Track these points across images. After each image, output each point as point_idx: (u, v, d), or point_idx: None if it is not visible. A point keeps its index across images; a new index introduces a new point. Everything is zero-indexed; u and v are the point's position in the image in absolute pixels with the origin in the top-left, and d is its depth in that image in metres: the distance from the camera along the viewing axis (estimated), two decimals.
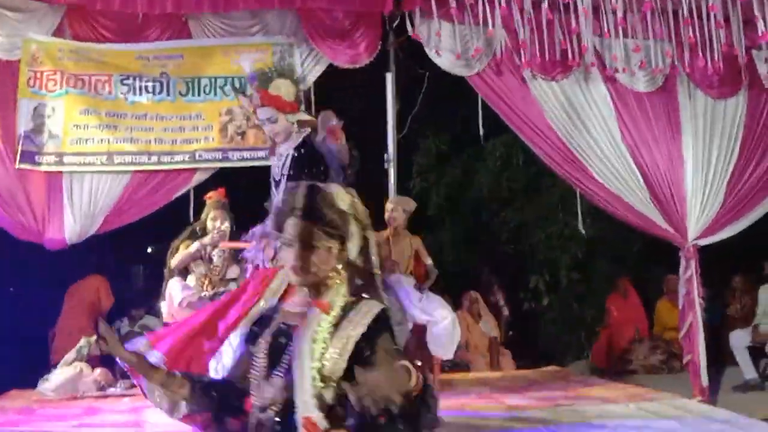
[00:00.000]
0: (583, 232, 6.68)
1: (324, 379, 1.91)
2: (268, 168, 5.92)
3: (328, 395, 1.90)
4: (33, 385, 5.50)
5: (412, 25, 5.67)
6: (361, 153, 7.39)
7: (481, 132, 6.13)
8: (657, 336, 7.54)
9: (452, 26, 5.63)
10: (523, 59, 5.57)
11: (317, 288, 2.04)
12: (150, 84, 5.70)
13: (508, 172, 8.79)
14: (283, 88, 3.95)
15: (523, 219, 8.86)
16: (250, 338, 2.12)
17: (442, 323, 5.32)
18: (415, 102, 7.01)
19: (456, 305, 7.04)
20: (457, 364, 6.78)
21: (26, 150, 5.47)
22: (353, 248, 2.08)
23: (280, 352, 1.99)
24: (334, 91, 6.78)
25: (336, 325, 1.97)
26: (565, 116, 5.69)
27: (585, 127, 5.70)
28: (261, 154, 5.83)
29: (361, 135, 7.79)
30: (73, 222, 5.48)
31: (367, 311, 2.00)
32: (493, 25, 5.52)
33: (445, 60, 5.72)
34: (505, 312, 8.31)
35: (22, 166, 5.45)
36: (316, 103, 6.14)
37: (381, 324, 1.98)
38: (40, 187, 5.49)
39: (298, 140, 3.94)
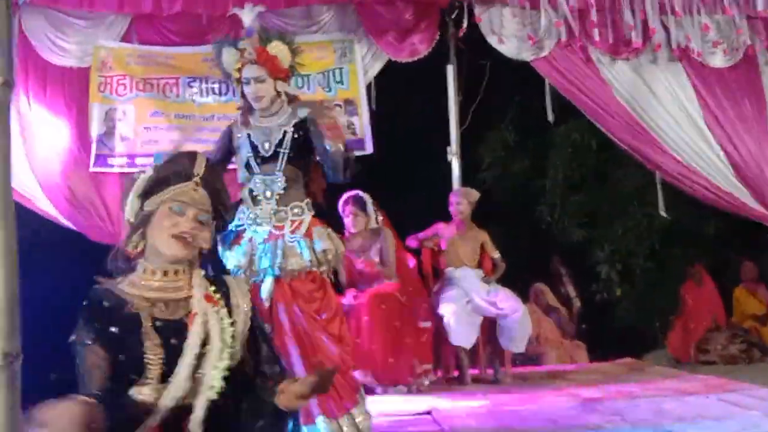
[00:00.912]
0: (668, 217, 6.46)
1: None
2: None
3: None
4: None
5: (472, 14, 5.61)
6: (425, 147, 7.41)
7: (551, 118, 6.03)
8: (735, 325, 7.28)
9: (514, 11, 5.57)
10: (590, 39, 5.45)
11: (182, 269, 1.90)
12: (216, 85, 5.79)
13: (578, 159, 8.63)
14: (280, 53, 3.59)
15: (595, 207, 8.69)
16: (105, 341, 1.84)
17: (512, 316, 5.26)
18: (477, 93, 6.95)
19: (524, 298, 6.95)
20: (528, 358, 6.71)
21: (100, 153, 5.65)
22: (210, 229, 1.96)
23: (174, 351, 1.83)
24: (395, 85, 6.79)
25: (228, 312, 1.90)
26: (640, 97, 5.55)
27: (663, 107, 5.56)
28: None
29: (424, 129, 7.83)
30: None
31: (240, 289, 1.97)
32: (557, 7, 5.42)
33: (509, 46, 5.67)
34: (577, 304, 8.17)
35: (96, 169, 5.64)
36: (377, 98, 6.17)
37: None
38: (114, 189, 5.66)
39: (291, 118, 3.62)
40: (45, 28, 5.62)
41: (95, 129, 5.63)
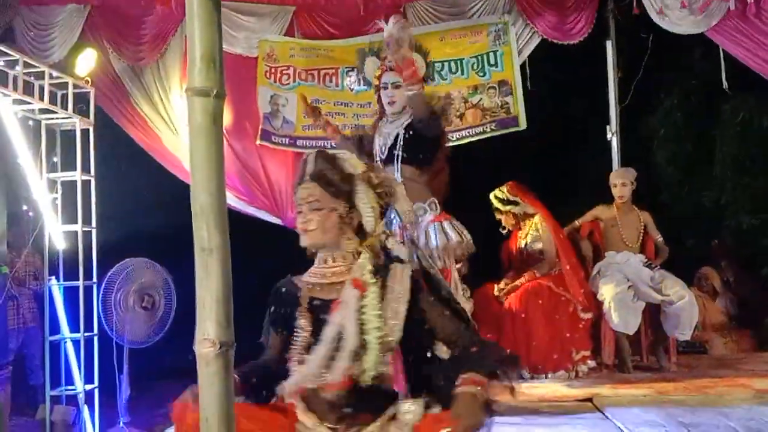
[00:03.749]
0: None
1: (384, 349, 1.98)
2: (480, 145, 6.07)
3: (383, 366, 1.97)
4: None
5: None
6: (582, 126, 7.20)
7: (725, 86, 5.68)
8: None
9: None
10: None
11: (341, 256, 2.10)
12: None
13: (751, 136, 8.05)
14: (417, 63, 3.81)
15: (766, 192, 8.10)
16: (278, 321, 2.16)
17: (678, 302, 5.05)
18: (638, 69, 6.67)
19: (689, 283, 6.63)
20: (692, 345, 6.41)
21: (265, 129, 6.09)
22: (365, 210, 2.10)
23: (321, 328, 2.03)
24: (549, 64, 6.66)
25: (379, 297, 2.02)
26: None
27: None
28: (478, 129, 5.97)
29: (581, 107, 7.62)
30: None
31: (402, 275, 2.06)
32: None
33: (672, 19, 5.38)
34: (744, 290, 7.69)
35: (262, 142, 6.07)
36: (531, 76, 6.10)
37: (416, 285, 2.05)
38: (276, 163, 6.08)
39: (406, 119, 3.82)
40: None
41: (262, 107, 6.04)
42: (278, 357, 2.12)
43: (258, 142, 6.12)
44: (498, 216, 5.47)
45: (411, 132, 3.76)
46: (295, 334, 2.06)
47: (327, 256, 2.11)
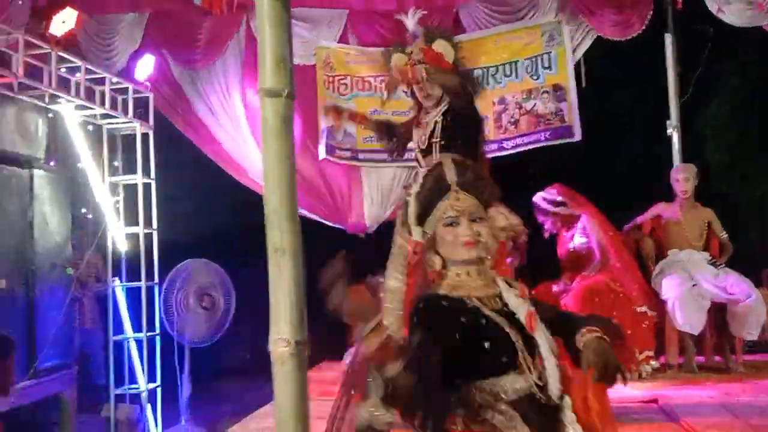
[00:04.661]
0: None
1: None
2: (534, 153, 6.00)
3: None
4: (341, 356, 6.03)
5: None
6: (642, 121, 7.06)
7: None
8: None
9: None
10: None
11: (482, 261, 1.97)
12: None
13: None
14: (444, 50, 3.73)
15: None
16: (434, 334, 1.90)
17: (744, 301, 4.91)
18: (698, 63, 6.50)
19: (756, 282, 6.44)
20: (760, 345, 6.20)
21: (328, 143, 6.10)
22: (501, 219, 2.01)
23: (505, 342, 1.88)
24: (605, 60, 6.54)
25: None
26: None
27: None
28: (532, 138, 5.90)
29: (638, 103, 7.47)
30: (371, 208, 6.02)
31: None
32: None
33: (732, 13, 5.24)
34: None
35: (326, 157, 6.10)
36: (586, 73, 6.01)
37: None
38: (339, 177, 6.09)
39: (443, 107, 3.72)
40: None
41: (324, 121, 6.04)
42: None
43: (322, 156, 6.12)
44: (541, 219, 5.36)
45: (449, 118, 3.70)
46: (500, 339, 1.88)
47: (472, 270, 1.96)
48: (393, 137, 4.11)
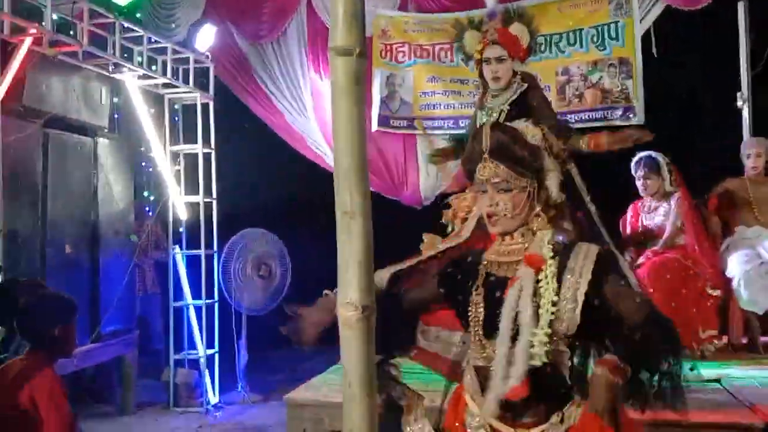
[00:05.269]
0: None
1: (553, 336, 1.81)
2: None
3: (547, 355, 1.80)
4: None
5: None
6: (711, 93, 6.82)
7: None
8: None
9: None
10: None
11: (520, 233, 1.93)
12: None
13: None
14: (520, 33, 3.65)
15: None
16: (448, 282, 2.05)
17: None
18: None
19: None
20: None
21: (382, 114, 6.04)
22: (552, 186, 1.92)
23: (496, 307, 1.87)
24: (674, 29, 6.31)
25: (557, 277, 1.83)
26: None
27: None
28: (599, 114, 5.73)
29: (711, 73, 7.19)
30: (426, 180, 5.95)
31: (586, 255, 1.85)
32: None
33: None
34: None
35: (379, 128, 6.03)
36: (656, 43, 5.80)
37: (603, 266, 1.85)
38: (394, 148, 6.03)
39: (512, 96, 3.66)
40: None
41: (378, 91, 5.99)
42: (413, 306, 2.14)
43: (375, 128, 6.06)
44: (644, 175, 5.04)
45: (518, 109, 3.60)
46: (468, 309, 1.94)
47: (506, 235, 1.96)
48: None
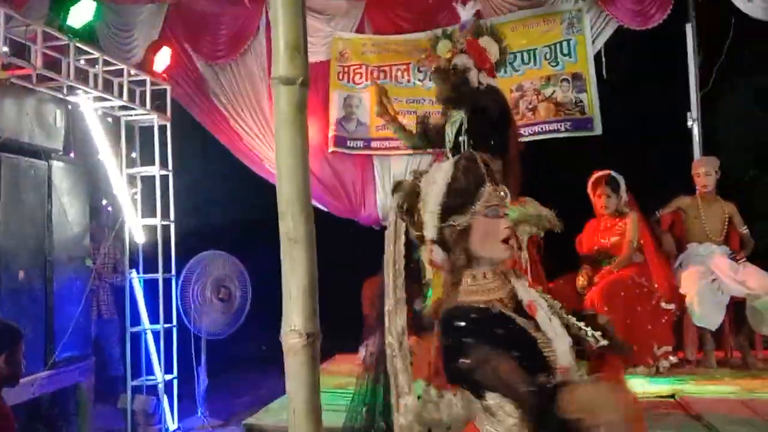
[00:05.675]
0: None
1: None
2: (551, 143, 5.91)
3: None
4: (354, 349, 6.02)
5: None
6: (661, 112, 6.98)
7: None
8: None
9: None
10: None
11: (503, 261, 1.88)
12: None
13: None
14: (489, 47, 3.81)
15: None
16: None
17: (765, 297, 4.83)
18: (720, 53, 6.39)
19: None
20: None
21: (338, 135, 6.07)
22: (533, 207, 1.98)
23: None
24: (624, 51, 6.45)
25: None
26: None
27: None
28: (552, 126, 5.81)
29: (660, 93, 7.35)
30: (384, 200, 5.98)
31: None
32: None
33: (756, 7, 5.15)
34: None
35: (336, 149, 6.05)
36: (607, 63, 5.92)
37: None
38: (349, 169, 6.07)
39: (473, 105, 3.76)
40: None
41: (335, 113, 6.02)
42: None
43: (331, 149, 6.09)
44: (606, 194, 5.12)
45: (475, 116, 3.73)
46: (532, 343, 1.79)
47: (496, 268, 1.87)
48: (429, 140, 4.13)
